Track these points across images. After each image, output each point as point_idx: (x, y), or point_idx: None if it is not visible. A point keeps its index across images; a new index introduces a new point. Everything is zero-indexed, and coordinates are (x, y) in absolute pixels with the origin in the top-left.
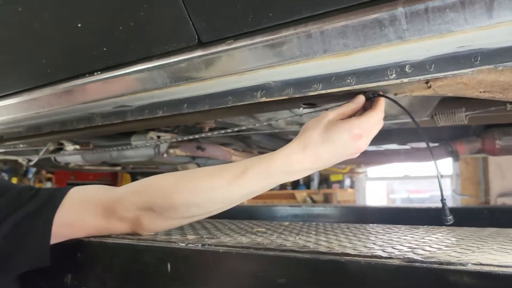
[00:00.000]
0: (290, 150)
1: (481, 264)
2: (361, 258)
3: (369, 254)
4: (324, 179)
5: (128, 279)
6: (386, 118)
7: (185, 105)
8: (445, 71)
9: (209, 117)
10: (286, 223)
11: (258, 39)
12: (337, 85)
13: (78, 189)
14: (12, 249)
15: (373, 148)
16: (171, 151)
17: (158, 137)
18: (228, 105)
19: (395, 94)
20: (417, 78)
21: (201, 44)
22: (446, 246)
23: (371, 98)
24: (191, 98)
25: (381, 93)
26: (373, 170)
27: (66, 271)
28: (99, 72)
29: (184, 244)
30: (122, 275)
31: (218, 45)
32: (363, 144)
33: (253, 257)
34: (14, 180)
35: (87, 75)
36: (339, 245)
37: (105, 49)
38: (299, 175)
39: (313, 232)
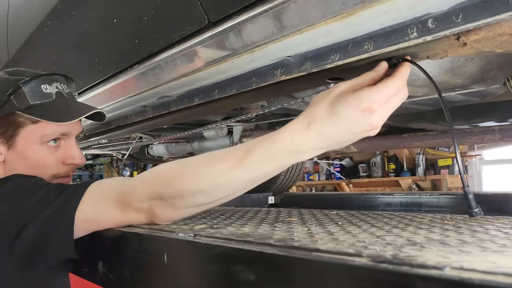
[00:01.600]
0: (294, 127)
1: (462, 269)
2: (323, 254)
3: (336, 250)
4: (431, 164)
5: (137, 267)
6: (451, 89)
7: (216, 91)
8: (475, 21)
9: (242, 102)
10: (334, 212)
11: (258, 9)
12: (354, 53)
13: (97, 184)
14: (42, 245)
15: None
16: (244, 140)
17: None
18: (253, 87)
19: (427, 57)
20: (443, 33)
21: (211, 24)
22: (463, 242)
23: (396, 64)
24: (220, 83)
25: (408, 57)
26: (490, 153)
27: (99, 258)
28: (136, 65)
29: (175, 234)
30: (132, 263)
31: (225, 22)
32: (377, 119)
33: (217, 248)
34: (135, 173)
35: (128, 69)
36: (332, 238)
37: (137, 41)
38: (307, 155)
39: (341, 223)
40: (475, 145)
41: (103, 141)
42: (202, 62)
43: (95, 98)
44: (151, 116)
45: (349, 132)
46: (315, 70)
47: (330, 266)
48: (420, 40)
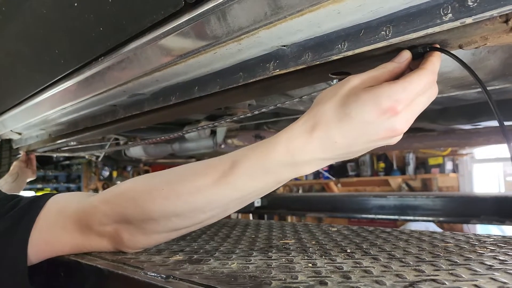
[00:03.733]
0: (292, 133)
1: None
2: None
3: None
4: (421, 162)
5: None
6: (467, 86)
7: (196, 88)
8: None
9: (227, 100)
10: (334, 229)
11: None
12: (368, 41)
13: (56, 199)
14: None
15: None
16: (229, 141)
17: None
18: (240, 83)
19: (460, 47)
20: (489, 14)
21: (188, 6)
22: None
23: (422, 54)
24: (200, 79)
25: (437, 46)
26: (481, 151)
27: None
28: (102, 58)
29: (142, 273)
30: None
31: (205, 3)
32: (401, 122)
33: None
34: (115, 173)
35: (93, 62)
36: (350, 286)
37: (101, 28)
38: (308, 168)
39: (350, 250)
40: None
41: (72, 143)
42: (178, 53)
43: (57, 96)
44: (122, 117)
45: (364, 140)
46: (317, 63)
47: None
48: (457, 24)
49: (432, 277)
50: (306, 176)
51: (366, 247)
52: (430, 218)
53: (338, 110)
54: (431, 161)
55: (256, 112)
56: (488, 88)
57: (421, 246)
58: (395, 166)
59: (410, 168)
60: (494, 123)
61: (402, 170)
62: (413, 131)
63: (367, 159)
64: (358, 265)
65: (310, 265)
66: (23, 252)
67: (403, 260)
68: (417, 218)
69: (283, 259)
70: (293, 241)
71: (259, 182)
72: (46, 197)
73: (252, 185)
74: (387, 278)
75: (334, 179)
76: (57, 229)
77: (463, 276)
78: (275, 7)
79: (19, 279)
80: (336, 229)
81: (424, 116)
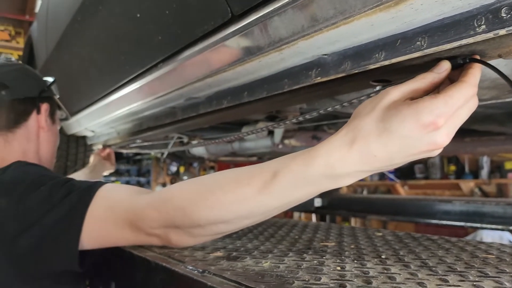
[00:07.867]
0: (333, 146)
1: None
2: None
3: None
4: (497, 166)
5: None
6: None
7: (245, 93)
8: None
9: (275, 105)
10: (379, 234)
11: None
12: (404, 51)
13: (106, 190)
14: (44, 255)
15: None
16: (286, 141)
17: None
18: (285, 90)
19: (499, 56)
20: None
21: (235, 18)
22: None
23: (462, 64)
24: (248, 84)
25: (477, 57)
26: None
27: (111, 279)
28: (161, 64)
29: (182, 267)
30: None
31: (249, 15)
32: (442, 137)
33: None
34: (182, 169)
35: (153, 68)
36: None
37: (160, 37)
38: (348, 180)
39: (384, 256)
40: None
41: (137, 141)
42: (226, 61)
43: (123, 98)
44: (181, 118)
45: (404, 153)
46: (357, 71)
47: None
48: (490, 35)
49: None
50: (371, 176)
51: (402, 253)
52: (499, 227)
53: (378, 124)
54: (508, 165)
55: (301, 119)
56: None
57: (459, 256)
58: (467, 169)
59: (484, 172)
60: None
61: (475, 174)
62: (478, 134)
63: (437, 161)
64: (385, 271)
65: (339, 268)
66: (76, 240)
67: (433, 269)
68: (484, 226)
69: (315, 261)
70: (333, 243)
71: (300, 192)
72: (96, 187)
73: (293, 194)
74: (407, 285)
75: (398, 181)
76: (109, 225)
77: None
78: (311, 20)
79: (70, 262)
80: (381, 234)
81: (491, 119)
